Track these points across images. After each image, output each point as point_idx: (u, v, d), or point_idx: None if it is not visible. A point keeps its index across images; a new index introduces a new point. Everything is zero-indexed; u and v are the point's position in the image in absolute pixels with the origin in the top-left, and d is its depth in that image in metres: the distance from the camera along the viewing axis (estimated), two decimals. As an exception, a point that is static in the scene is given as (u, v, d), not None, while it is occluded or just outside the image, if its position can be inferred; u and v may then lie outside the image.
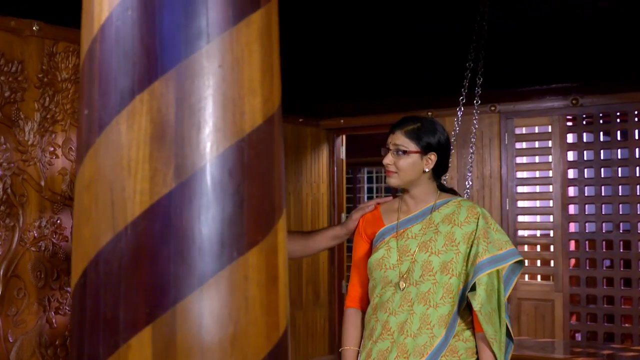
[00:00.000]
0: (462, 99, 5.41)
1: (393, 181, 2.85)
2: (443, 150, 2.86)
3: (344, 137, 7.18)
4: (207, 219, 1.32)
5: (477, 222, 2.77)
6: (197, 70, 1.33)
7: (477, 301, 2.66)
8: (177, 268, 1.30)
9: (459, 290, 2.74)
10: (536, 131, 6.35)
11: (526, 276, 6.28)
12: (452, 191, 2.98)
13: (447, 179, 6.33)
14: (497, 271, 2.73)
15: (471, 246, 2.75)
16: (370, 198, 11.02)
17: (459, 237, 2.77)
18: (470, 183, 5.76)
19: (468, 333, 2.76)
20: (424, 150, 2.81)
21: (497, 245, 2.73)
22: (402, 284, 2.77)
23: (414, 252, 2.78)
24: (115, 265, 1.32)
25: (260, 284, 1.36)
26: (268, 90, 1.40)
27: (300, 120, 6.76)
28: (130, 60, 1.33)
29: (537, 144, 6.41)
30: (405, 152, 2.80)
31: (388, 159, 2.83)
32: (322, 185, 7.01)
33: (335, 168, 7.08)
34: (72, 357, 1.38)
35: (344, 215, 7.09)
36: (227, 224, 1.33)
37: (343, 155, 7.19)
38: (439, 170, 2.90)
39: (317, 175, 6.97)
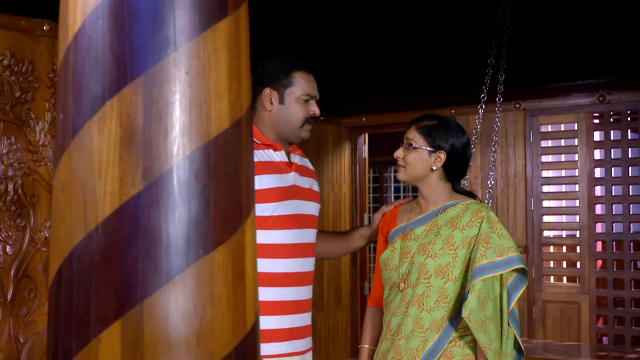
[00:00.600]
0: (484, 97, 5.47)
1: (400, 175, 2.95)
2: (456, 153, 2.90)
3: (366, 135, 7.26)
4: (174, 218, 1.43)
5: (480, 226, 2.79)
6: (164, 77, 1.44)
7: (467, 307, 2.66)
8: (145, 266, 1.41)
9: (457, 296, 2.78)
10: (562, 129, 6.39)
11: (552, 278, 6.32)
12: (469, 194, 3.01)
13: (471, 179, 6.39)
14: (501, 277, 2.74)
15: (472, 251, 2.79)
16: (397, 198, 11.08)
17: (459, 241, 2.81)
18: (493, 182, 5.82)
19: (467, 339, 2.77)
20: (433, 148, 2.88)
21: (497, 251, 2.73)
22: (402, 285, 2.85)
23: (413, 254, 2.85)
24: (87, 263, 1.43)
25: (226, 281, 1.47)
26: (235, 95, 1.51)
27: (321, 118, 6.85)
28: (101, 68, 1.44)
29: (563, 142, 6.44)
30: (414, 147, 2.88)
31: (398, 152, 2.93)
32: (344, 185, 7.10)
33: (357, 167, 7.17)
34: (48, 351, 1.50)
35: (366, 216, 7.18)
36: (193, 223, 1.44)
37: (366, 154, 7.28)
38: (453, 172, 2.94)
39: (338, 174, 7.06)
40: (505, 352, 2.72)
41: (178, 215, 1.43)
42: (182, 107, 1.44)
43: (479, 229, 2.78)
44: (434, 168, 2.90)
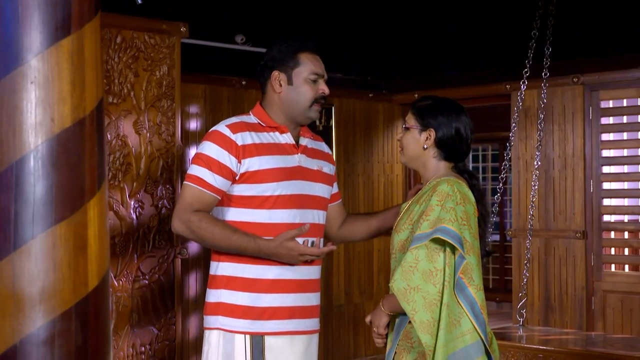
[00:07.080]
0: (526, 72, 5.89)
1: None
2: (447, 131, 3.31)
3: (421, 112, 7.65)
4: (21, 200, 2.06)
5: (430, 199, 3.13)
6: (13, 86, 2.07)
7: (392, 277, 3.05)
8: (-3, 238, 2.06)
9: None
10: (624, 105, 6.59)
11: (612, 266, 6.59)
12: (465, 173, 3.42)
13: (527, 159, 6.74)
14: (445, 249, 3.05)
15: None
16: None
17: (416, 215, 3.19)
18: (539, 163, 6.19)
19: None
20: (422, 126, 3.29)
21: (432, 223, 3.07)
22: (391, 261, 3.35)
23: (393, 230, 3.34)
24: (-47, 236, 2.09)
25: (67, 251, 2.09)
26: (78, 99, 2.12)
27: (370, 95, 7.33)
28: (-39, 81, 2.09)
29: (625, 119, 6.64)
30: (406, 127, 3.35)
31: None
32: (397, 166, 7.56)
33: (411, 146, 7.59)
34: None
35: (420, 199, 7.59)
36: (37, 204, 2.07)
37: (421, 132, 7.67)
38: (448, 151, 3.36)
39: (390, 154, 7.53)
40: (436, 328, 3.01)
41: (25, 197, 2.06)
42: (28, 110, 2.07)
43: (429, 202, 3.13)
44: (425, 147, 3.27)
